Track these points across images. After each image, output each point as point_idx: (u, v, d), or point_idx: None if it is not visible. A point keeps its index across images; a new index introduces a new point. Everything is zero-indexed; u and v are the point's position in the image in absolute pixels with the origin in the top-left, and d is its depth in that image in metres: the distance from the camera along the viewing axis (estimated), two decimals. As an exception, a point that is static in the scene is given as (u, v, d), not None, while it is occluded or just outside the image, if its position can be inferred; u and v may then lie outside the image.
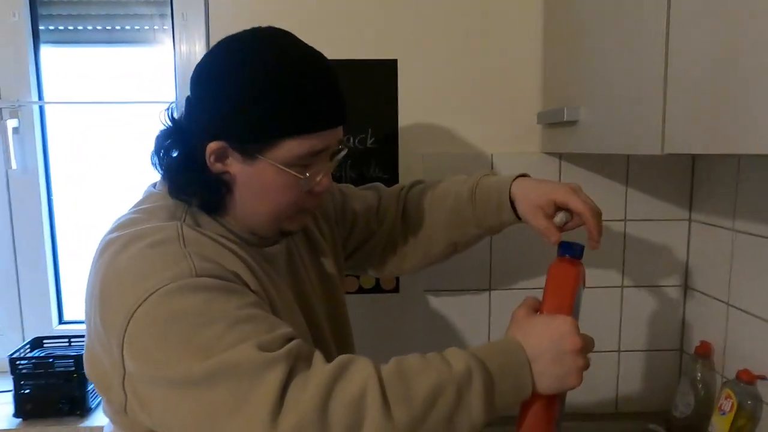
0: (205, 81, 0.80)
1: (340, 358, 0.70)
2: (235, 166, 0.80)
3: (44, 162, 1.49)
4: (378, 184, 1.17)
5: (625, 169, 1.39)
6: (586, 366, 0.77)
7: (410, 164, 1.36)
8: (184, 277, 0.70)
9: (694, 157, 1.39)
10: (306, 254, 0.99)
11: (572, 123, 1.14)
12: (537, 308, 0.83)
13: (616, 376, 1.45)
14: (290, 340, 0.71)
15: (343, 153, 0.89)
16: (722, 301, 1.29)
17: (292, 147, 0.78)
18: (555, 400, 0.79)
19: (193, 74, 0.81)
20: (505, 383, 0.72)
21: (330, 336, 0.98)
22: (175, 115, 0.83)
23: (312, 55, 0.81)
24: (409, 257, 1.10)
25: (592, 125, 1.09)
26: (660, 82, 0.84)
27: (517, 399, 0.75)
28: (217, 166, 0.80)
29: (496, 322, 1.40)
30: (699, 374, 1.30)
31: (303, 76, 0.78)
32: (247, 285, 0.77)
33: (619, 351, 1.44)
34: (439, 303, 1.39)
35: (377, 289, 1.38)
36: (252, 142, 0.78)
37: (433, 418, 0.68)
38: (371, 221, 1.10)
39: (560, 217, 0.94)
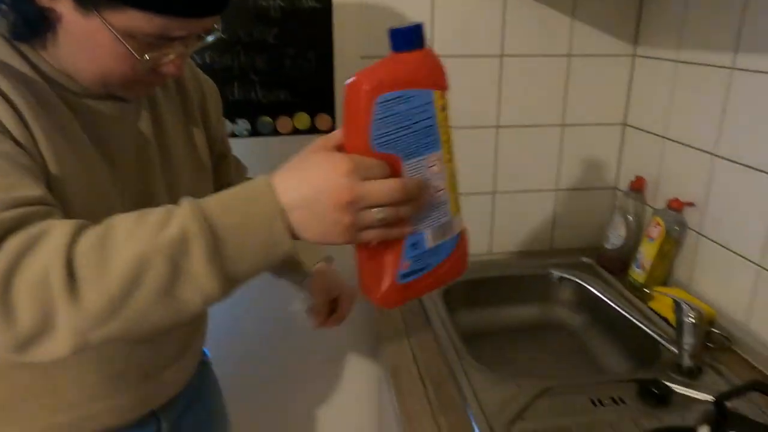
0: None
1: (44, 224, 0.57)
2: (65, 7, 0.64)
3: None
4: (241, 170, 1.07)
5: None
6: (367, 223, 0.57)
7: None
8: None
9: (643, -14, 1.32)
10: (178, 130, 0.85)
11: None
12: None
13: (552, 214, 1.47)
14: (24, 206, 0.59)
15: (208, 40, 0.72)
16: (659, 135, 1.30)
17: (138, 20, 0.63)
18: (390, 247, 0.61)
19: None
20: (244, 240, 0.57)
21: None
22: None
23: None
24: None
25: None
26: None
27: (273, 254, 0.58)
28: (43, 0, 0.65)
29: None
30: (631, 208, 1.33)
31: None
32: (8, 132, 0.64)
33: (556, 190, 1.45)
34: (377, 143, 1.34)
35: (313, 129, 1.31)
36: None
37: (140, 295, 0.55)
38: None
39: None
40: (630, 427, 0.87)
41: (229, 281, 0.57)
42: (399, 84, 0.56)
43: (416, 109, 0.58)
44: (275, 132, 1.29)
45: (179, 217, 0.56)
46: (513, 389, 0.95)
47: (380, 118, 0.56)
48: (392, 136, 0.57)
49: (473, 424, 0.88)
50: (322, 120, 1.30)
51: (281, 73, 1.26)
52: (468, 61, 1.31)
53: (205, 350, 1.02)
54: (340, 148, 0.59)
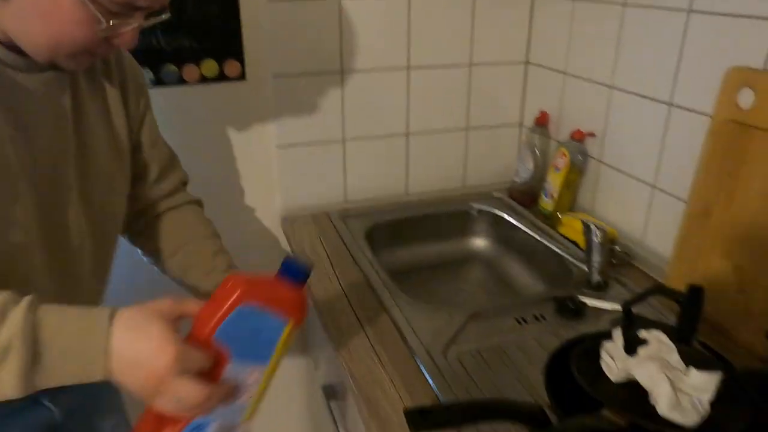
0: None
1: None
2: None
3: None
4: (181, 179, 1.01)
5: (474, -63, 1.34)
6: (164, 401, 0.62)
7: None
8: None
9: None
10: (98, 114, 0.81)
11: None
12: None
13: (464, 153, 1.52)
14: None
15: (162, 17, 0.71)
16: (560, 71, 1.37)
17: None
18: (176, 421, 0.65)
19: None
20: (62, 366, 0.60)
21: (79, 201, 0.79)
22: None
23: None
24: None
25: None
26: None
27: (83, 380, 0.62)
28: None
29: (350, 103, 1.37)
30: (537, 142, 1.41)
31: None
32: None
33: (467, 129, 1.50)
34: (290, 88, 1.31)
35: (221, 77, 1.26)
36: None
37: None
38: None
39: None
40: (552, 339, 0.95)
41: (32, 389, 0.59)
42: (267, 302, 0.64)
43: (268, 327, 0.65)
44: (181, 81, 1.23)
45: (10, 328, 0.57)
46: (444, 317, 1.00)
47: (234, 320, 0.63)
48: (235, 338, 0.64)
49: (412, 352, 0.92)
50: (231, 66, 1.25)
51: (184, 18, 1.19)
52: (376, 3, 1.30)
53: None
54: (191, 315, 0.65)
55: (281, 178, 1.37)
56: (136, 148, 0.91)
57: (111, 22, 0.64)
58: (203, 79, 1.25)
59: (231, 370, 0.65)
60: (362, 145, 1.41)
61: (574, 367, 0.78)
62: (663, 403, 0.74)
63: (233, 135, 1.32)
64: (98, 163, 0.81)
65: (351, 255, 1.21)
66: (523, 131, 1.53)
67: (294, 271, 0.66)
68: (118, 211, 0.87)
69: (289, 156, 1.36)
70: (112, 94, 0.83)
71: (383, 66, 1.36)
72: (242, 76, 1.27)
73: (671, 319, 0.98)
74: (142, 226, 0.97)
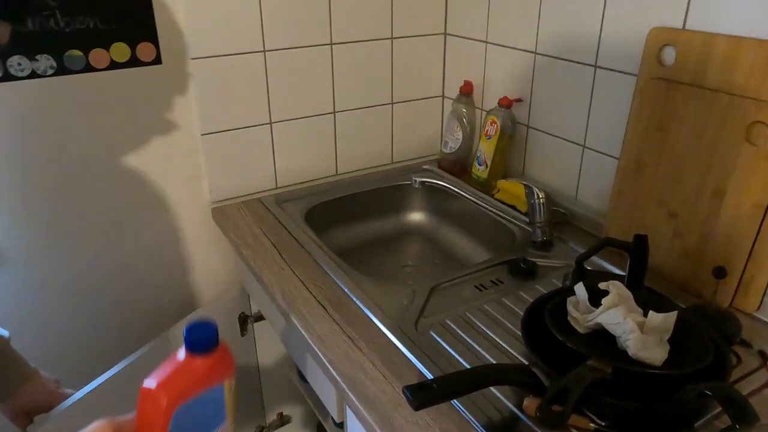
0: None
1: None
2: None
3: None
4: None
5: None
6: None
7: None
8: None
9: None
10: None
11: None
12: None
13: (390, 128, 1.51)
14: None
15: None
16: (481, 41, 1.39)
17: None
18: None
19: None
20: None
21: None
22: None
23: None
24: None
25: None
26: None
27: None
28: None
29: (275, 83, 1.31)
30: (464, 110, 1.43)
31: None
32: None
33: (392, 104, 1.49)
34: (210, 70, 1.22)
35: (134, 61, 1.15)
36: None
37: None
38: None
39: None
40: (514, 300, 0.98)
41: None
42: (196, 390, 0.58)
43: (209, 400, 0.60)
44: (89, 67, 1.11)
45: None
46: (407, 293, 0.99)
47: (176, 423, 0.57)
48: (186, 430, 0.59)
49: (384, 330, 0.90)
50: (145, 49, 1.15)
51: (86, -4, 1.07)
52: (294, -24, 1.25)
53: None
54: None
55: (207, 166, 1.29)
56: None
57: None
58: (114, 65, 1.13)
59: None
60: (290, 126, 1.36)
61: (552, 327, 0.81)
62: (633, 346, 0.78)
63: (152, 124, 1.22)
64: None
65: (296, 240, 1.17)
66: (444, 103, 1.55)
67: (203, 340, 0.60)
68: None
69: (215, 143, 1.28)
70: None
71: (306, 43, 1.31)
72: (157, 60, 1.17)
73: (613, 269, 1.04)
74: None
